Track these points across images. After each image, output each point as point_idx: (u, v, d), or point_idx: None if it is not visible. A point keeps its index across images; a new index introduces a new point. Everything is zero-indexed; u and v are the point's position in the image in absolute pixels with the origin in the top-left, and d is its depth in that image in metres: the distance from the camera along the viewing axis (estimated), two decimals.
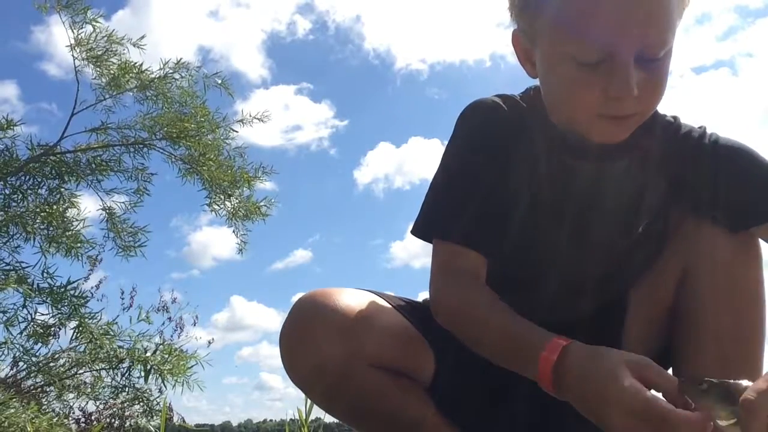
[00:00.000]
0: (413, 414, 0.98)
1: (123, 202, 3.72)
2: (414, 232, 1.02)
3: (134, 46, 3.62)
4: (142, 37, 3.65)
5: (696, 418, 0.65)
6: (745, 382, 0.69)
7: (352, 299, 0.95)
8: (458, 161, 1.02)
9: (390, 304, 1.02)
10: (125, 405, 3.68)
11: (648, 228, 1.02)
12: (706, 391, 0.68)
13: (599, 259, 1.04)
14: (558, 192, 1.00)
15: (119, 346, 3.19)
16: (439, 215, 1.00)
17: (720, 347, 0.93)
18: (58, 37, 3.57)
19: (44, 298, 3.13)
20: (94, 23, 3.52)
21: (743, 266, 0.94)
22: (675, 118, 1.05)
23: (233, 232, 4.02)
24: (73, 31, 3.51)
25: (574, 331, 1.09)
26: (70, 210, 3.50)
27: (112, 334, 3.17)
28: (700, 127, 1.03)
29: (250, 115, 3.95)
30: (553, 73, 0.90)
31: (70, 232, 3.42)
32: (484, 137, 1.00)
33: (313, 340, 0.92)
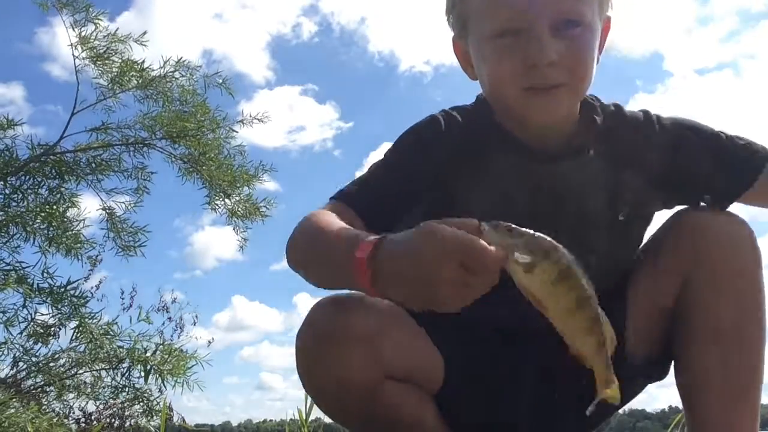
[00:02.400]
0: (428, 428, 0.96)
1: (123, 202, 3.71)
2: (332, 197, 1.03)
3: (136, 42, 3.60)
4: (144, 34, 3.63)
5: (496, 250, 0.69)
6: (549, 239, 0.72)
7: (371, 308, 0.91)
8: (385, 157, 1.05)
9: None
10: (125, 405, 3.68)
11: (629, 216, 1.03)
12: (507, 232, 0.71)
13: (580, 254, 1.02)
14: (520, 194, 1.00)
15: (119, 346, 3.18)
16: (346, 186, 1.02)
17: (721, 348, 0.93)
18: (61, 38, 3.56)
19: (44, 298, 3.12)
20: (95, 21, 3.51)
21: (744, 267, 0.94)
22: (617, 105, 1.08)
23: (233, 229, 4.01)
24: (74, 29, 3.50)
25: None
26: (70, 210, 3.49)
27: (112, 334, 3.17)
28: (642, 111, 1.07)
29: (250, 116, 3.94)
30: (482, 58, 0.96)
31: (70, 232, 3.41)
32: (413, 144, 1.03)
33: (338, 353, 0.88)
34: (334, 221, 0.90)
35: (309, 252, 0.92)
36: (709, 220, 0.95)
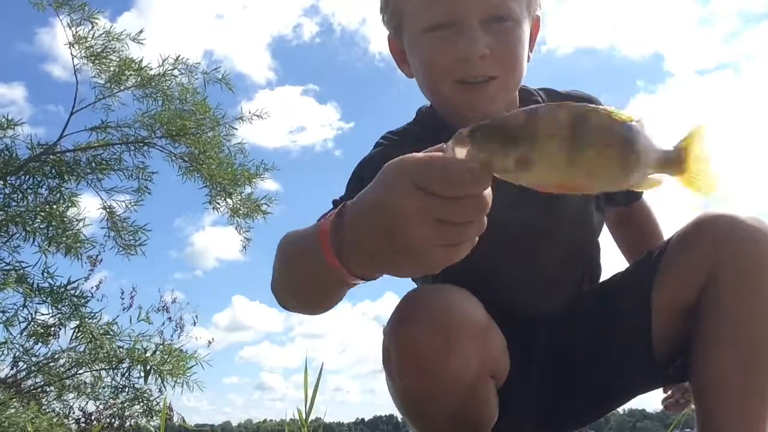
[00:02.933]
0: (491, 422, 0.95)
1: (123, 201, 3.71)
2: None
3: (133, 41, 3.60)
4: (141, 32, 3.63)
5: (464, 162, 0.52)
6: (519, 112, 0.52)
7: (473, 301, 0.87)
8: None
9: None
10: (125, 405, 3.66)
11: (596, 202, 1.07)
12: (473, 136, 0.52)
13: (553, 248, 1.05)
14: None
15: (119, 346, 3.18)
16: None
17: (740, 350, 0.92)
18: (61, 38, 3.56)
19: (44, 298, 3.11)
20: (92, 20, 3.51)
21: (766, 268, 0.92)
22: (548, 89, 1.12)
23: (236, 229, 4.01)
24: (71, 28, 3.50)
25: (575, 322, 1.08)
26: (70, 209, 3.49)
27: (112, 334, 3.16)
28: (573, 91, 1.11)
29: (250, 112, 3.94)
30: (415, 54, 0.98)
31: (70, 232, 3.41)
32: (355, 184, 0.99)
33: (459, 351, 0.83)
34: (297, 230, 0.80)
35: (282, 265, 0.82)
36: (733, 221, 0.95)
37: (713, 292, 0.94)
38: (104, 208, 3.71)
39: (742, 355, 0.91)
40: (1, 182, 3.33)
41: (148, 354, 3.15)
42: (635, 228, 1.23)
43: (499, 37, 0.93)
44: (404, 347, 0.84)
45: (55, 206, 3.40)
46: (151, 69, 3.64)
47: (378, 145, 1.07)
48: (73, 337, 3.11)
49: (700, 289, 0.96)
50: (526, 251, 1.04)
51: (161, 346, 3.25)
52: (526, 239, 1.03)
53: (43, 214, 3.35)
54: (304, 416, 1.37)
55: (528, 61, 1.00)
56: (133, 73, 3.60)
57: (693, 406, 1.00)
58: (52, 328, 3.36)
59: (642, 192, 1.21)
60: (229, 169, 3.81)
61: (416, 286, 1.05)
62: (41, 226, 3.34)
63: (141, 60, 3.62)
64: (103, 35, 3.54)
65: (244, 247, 4.10)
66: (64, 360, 3.64)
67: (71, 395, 3.68)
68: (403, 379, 0.86)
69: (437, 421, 0.91)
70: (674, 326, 1.00)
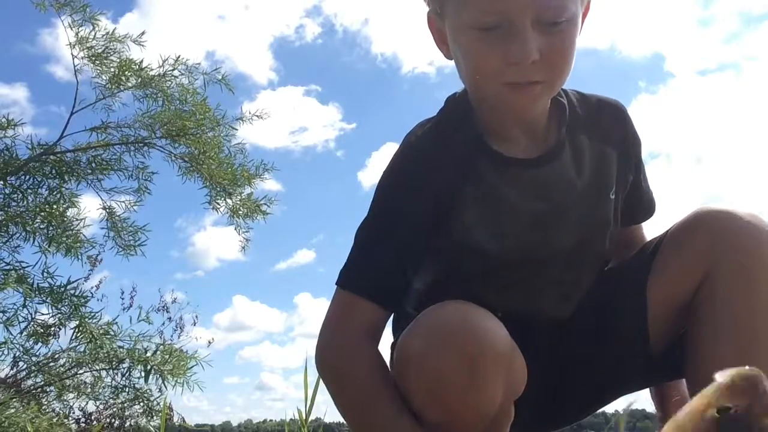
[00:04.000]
0: None
1: (123, 201, 3.71)
2: (340, 284, 0.97)
3: (134, 42, 3.60)
4: (142, 34, 3.63)
5: None
6: None
7: (495, 321, 0.84)
8: (379, 216, 0.99)
9: None
10: (125, 405, 3.66)
11: (617, 193, 1.06)
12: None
13: (584, 250, 1.05)
14: (520, 203, 0.99)
15: (119, 346, 3.17)
16: (353, 266, 0.97)
17: (736, 348, 0.91)
18: (63, 39, 3.56)
19: (44, 298, 3.11)
20: (93, 21, 3.51)
21: (763, 265, 0.92)
22: (577, 92, 1.09)
23: (235, 229, 4.01)
24: (72, 29, 3.50)
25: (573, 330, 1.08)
26: (70, 209, 3.49)
27: (112, 334, 3.16)
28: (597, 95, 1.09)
29: (250, 112, 3.94)
30: (459, 44, 0.93)
31: (70, 232, 3.41)
32: (410, 189, 0.97)
33: (487, 382, 0.80)
34: (385, 397, 0.87)
35: (348, 411, 0.92)
36: (729, 216, 0.95)
37: (710, 288, 0.94)
38: (104, 208, 3.71)
39: (740, 353, 0.91)
40: (1, 182, 3.33)
41: (148, 354, 3.15)
42: (625, 245, 1.19)
43: (552, 40, 0.87)
44: (429, 374, 0.80)
45: (55, 206, 3.40)
46: (151, 69, 3.65)
47: (417, 151, 1.01)
48: (73, 337, 3.11)
49: (696, 284, 0.95)
50: (535, 261, 1.03)
51: (161, 346, 3.25)
52: (535, 252, 1.02)
53: (43, 214, 3.35)
54: (304, 416, 1.37)
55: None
56: (133, 73, 3.60)
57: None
58: (52, 328, 3.36)
59: (651, 215, 1.19)
60: (229, 170, 3.81)
61: (416, 288, 1.03)
62: (41, 226, 3.34)
63: (141, 61, 3.62)
64: (104, 36, 3.54)
65: (243, 247, 4.10)
66: (64, 360, 3.64)
67: (71, 395, 3.68)
68: (423, 406, 0.84)
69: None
70: (670, 321, 0.99)
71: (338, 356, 0.93)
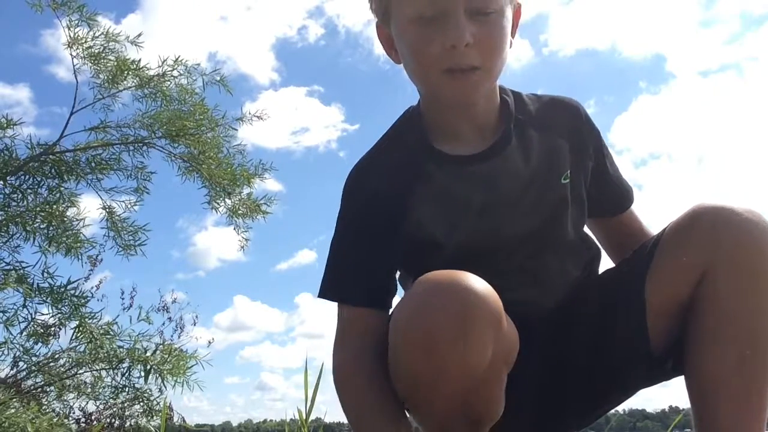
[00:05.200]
0: None
1: (123, 201, 3.71)
2: (320, 295, 1.07)
3: (132, 43, 3.60)
4: (140, 35, 3.63)
5: None
6: None
7: (486, 285, 0.85)
8: (342, 228, 1.09)
9: None
10: (125, 405, 3.67)
11: (572, 179, 1.08)
12: None
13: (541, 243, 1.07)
14: (470, 196, 1.04)
15: (119, 346, 3.17)
16: (328, 277, 1.07)
17: (740, 349, 0.91)
18: (63, 39, 3.55)
19: (44, 298, 3.11)
20: (90, 21, 3.51)
21: (765, 266, 0.92)
22: (532, 93, 1.15)
23: (234, 229, 4.01)
24: (70, 29, 3.50)
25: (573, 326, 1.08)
26: (70, 209, 3.49)
27: (112, 334, 3.16)
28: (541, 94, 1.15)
29: (249, 113, 3.94)
30: (403, 42, 1.02)
31: (70, 232, 3.41)
32: (363, 200, 1.07)
33: (476, 338, 0.81)
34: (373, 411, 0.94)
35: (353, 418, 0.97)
36: (728, 214, 0.94)
37: (709, 286, 0.94)
38: (104, 208, 3.71)
39: (741, 355, 0.91)
40: (1, 182, 3.33)
41: (148, 354, 3.15)
42: (625, 238, 1.20)
43: (483, 27, 0.96)
44: (419, 332, 0.82)
45: (54, 206, 3.40)
46: (150, 69, 3.65)
47: (354, 169, 1.11)
48: (73, 337, 3.11)
49: (694, 282, 0.95)
50: (492, 248, 1.06)
51: (161, 346, 3.25)
52: (493, 239, 1.05)
53: (43, 214, 3.35)
54: (304, 416, 1.37)
55: (510, 47, 1.03)
56: (131, 73, 3.60)
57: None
58: (52, 328, 3.37)
59: (630, 202, 1.20)
60: (229, 169, 3.81)
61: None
62: (41, 226, 3.34)
63: (139, 61, 3.62)
64: (102, 36, 3.54)
65: (243, 247, 4.10)
66: (64, 360, 3.64)
67: (71, 395, 3.68)
68: (413, 365, 0.85)
69: (440, 410, 0.90)
70: (670, 320, 0.99)
71: (338, 368, 1.00)
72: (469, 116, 1.07)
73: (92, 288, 4.37)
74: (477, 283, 0.84)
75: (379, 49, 1.12)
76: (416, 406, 0.95)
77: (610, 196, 1.18)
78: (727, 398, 0.91)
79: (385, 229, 1.04)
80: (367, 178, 1.09)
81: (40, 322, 3.22)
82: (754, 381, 0.91)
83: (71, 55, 3.54)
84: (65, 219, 3.43)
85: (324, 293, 1.06)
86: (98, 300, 4.26)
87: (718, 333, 0.93)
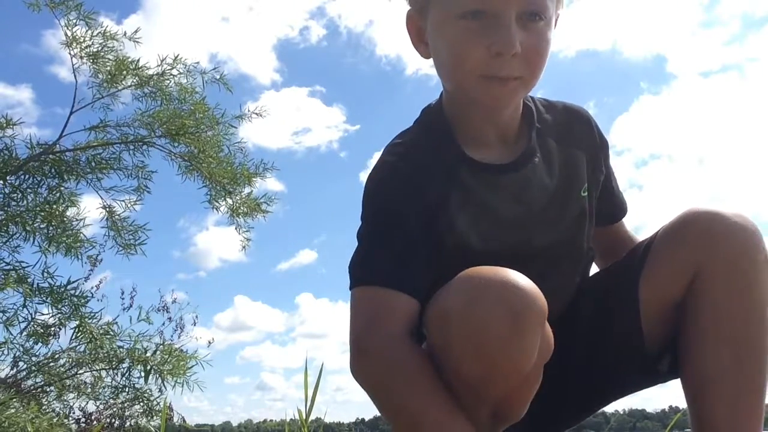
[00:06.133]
0: None
1: (123, 201, 3.71)
2: (356, 283, 0.95)
3: (129, 40, 3.60)
4: (137, 31, 3.63)
5: None
6: None
7: (534, 285, 0.83)
8: (381, 215, 1.00)
9: None
10: (125, 405, 3.67)
11: (589, 190, 1.09)
12: None
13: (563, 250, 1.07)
14: (499, 204, 1.03)
15: (119, 346, 3.17)
16: (369, 263, 0.96)
17: (734, 349, 0.92)
18: (62, 39, 3.55)
19: (44, 298, 3.11)
20: (88, 19, 3.50)
21: (756, 269, 0.93)
22: (543, 99, 1.13)
23: (235, 228, 4.01)
24: (68, 28, 3.50)
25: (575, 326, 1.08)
26: (70, 209, 3.49)
27: (112, 334, 3.16)
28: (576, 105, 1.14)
29: (248, 110, 3.94)
30: (442, 37, 0.96)
31: (70, 232, 3.40)
32: (403, 189, 0.99)
33: (528, 336, 0.79)
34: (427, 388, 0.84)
35: (388, 401, 0.87)
36: (717, 217, 0.95)
37: (700, 288, 0.95)
38: (104, 207, 3.71)
39: (736, 354, 0.91)
40: (1, 182, 3.33)
41: (148, 354, 3.15)
42: (612, 246, 1.20)
43: (531, 36, 0.91)
44: (473, 325, 0.78)
45: (54, 206, 3.40)
46: (149, 68, 3.64)
47: (386, 163, 1.03)
48: (73, 337, 3.11)
49: (686, 284, 0.96)
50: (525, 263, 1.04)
51: (161, 346, 3.25)
52: (522, 252, 1.03)
53: (43, 213, 3.35)
54: (304, 416, 1.36)
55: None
56: (130, 72, 3.60)
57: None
58: (52, 328, 3.36)
59: (624, 213, 1.22)
60: (229, 168, 3.81)
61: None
62: (41, 226, 3.34)
63: (138, 59, 3.62)
64: (100, 35, 3.54)
65: (244, 247, 4.10)
66: (64, 360, 3.64)
67: (71, 395, 3.68)
68: (463, 359, 0.81)
69: (474, 406, 0.87)
70: (664, 321, 1.00)
71: (379, 358, 0.87)
72: (495, 120, 1.04)
73: (92, 288, 4.36)
74: (527, 281, 0.81)
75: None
76: (462, 398, 0.86)
77: (610, 207, 1.19)
78: (723, 398, 0.92)
79: (421, 223, 0.98)
80: (406, 172, 1.01)
81: (40, 322, 3.23)
82: (749, 380, 0.92)
83: (70, 54, 3.54)
84: (65, 219, 3.43)
85: (364, 278, 0.94)
86: (98, 300, 4.25)
87: (712, 333, 0.93)
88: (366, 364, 0.88)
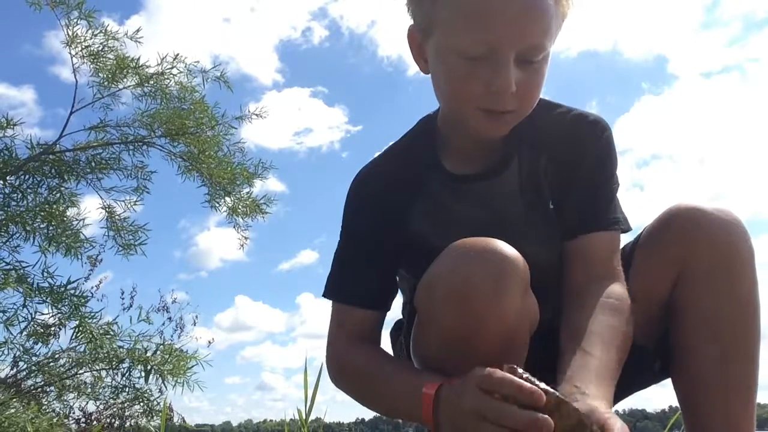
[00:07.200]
0: None
1: (123, 201, 3.71)
2: (324, 294, 1.11)
3: (130, 39, 3.60)
4: (138, 30, 3.63)
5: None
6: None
7: (520, 255, 0.86)
8: (344, 234, 1.12)
9: None
10: (125, 405, 3.67)
11: (555, 201, 1.06)
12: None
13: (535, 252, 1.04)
14: (465, 211, 1.06)
15: (119, 346, 3.17)
16: (332, 279, 1.10)
17: (720, 346, 0.93)
18: (63, 38, 3.55)
19: (44, 298, 3.11)
20: (89, 18, 3.50)
21: (740, 265, 0.94)
22: (549, 104, 1.10)
23: (234, 227, 4.01)
24: (69, 27, 3.49)
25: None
26: (70, 209, 3.49)
27: (113, 334, 3.16)
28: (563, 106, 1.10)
29: (249, 111, 3.93)
30: (443, 65, 0.97)
31: (70, 232, 3.40)
32: (363, 209, 1.09)
33: (508, 289, 0.83)
34: (384, 363, 0.98)
35: (365, 391, 1.00)
36: (704, 213, 0.96)
37: (687, 287, 0.96)
38: (104, 207, 3.71)
39: (723, 351, 0.92)
40: (1, 182, 3.32)
41: (148, 354, 3.15)
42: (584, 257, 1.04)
43: (528, 75, 0.93)
44: (457, 284, 0.83)
45: (54, 206, 3.40)
46: (149, 67, 3.64)
47: (354, 184, 1.12)
48: (73, 337, 3.10)
49: (672, 281, 0.97)
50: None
51: (162, 346, 3.25)
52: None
53: (43, 213, 3.35)
54: (304, 416, 1.37)
55: None
56: (130, 71, 3.59)
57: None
58: (52, 328, 3.36)
59: (604, 225, 1.03)
60: (228, 168, 3.81)
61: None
62: (41, 226, 3.34)
63: (138, 58, 3.62)
64: (101, 34, 3.54)
65: (242, 245, 4.10)
66: (64, 360, 3.64)
67: (71, 395, 3.68)
68: (451, 317, 0.85)
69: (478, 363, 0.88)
70: (652, 318, 1.00)
71: (337, 356, 1.04)
72: (481, 139, 1.05)
73: (92, 288, 4.37)
74: (509, 247, 0.86)
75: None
76: (449, 366, 0.89)
77: (572, 218, 1.06)
78: (713, 395, 0.93)
79: (384, 237, 1.07)
80: (367, 186, 1.10)
81: (40, 322, 3.23)
82: (738, 377, 0.93)
83: (70, 53, 3.54)
84: (65, 219, 3.43)
85: (326, 293, 1.10)
86: (98, 300, 4.27)
87: (698, 331, 0.94)
88: (331, 371, 1.05)
